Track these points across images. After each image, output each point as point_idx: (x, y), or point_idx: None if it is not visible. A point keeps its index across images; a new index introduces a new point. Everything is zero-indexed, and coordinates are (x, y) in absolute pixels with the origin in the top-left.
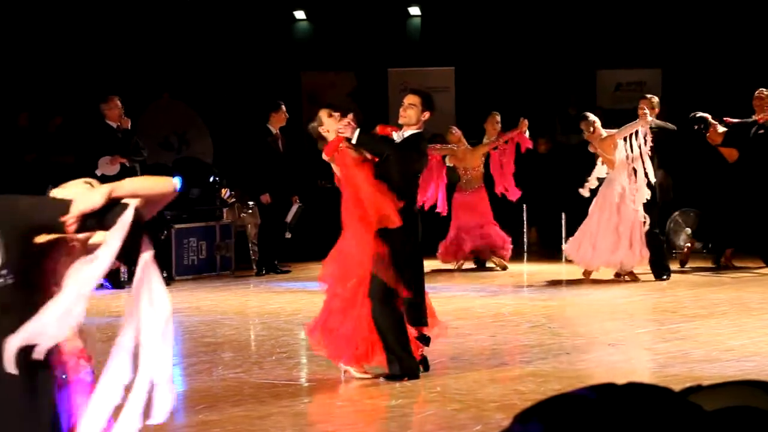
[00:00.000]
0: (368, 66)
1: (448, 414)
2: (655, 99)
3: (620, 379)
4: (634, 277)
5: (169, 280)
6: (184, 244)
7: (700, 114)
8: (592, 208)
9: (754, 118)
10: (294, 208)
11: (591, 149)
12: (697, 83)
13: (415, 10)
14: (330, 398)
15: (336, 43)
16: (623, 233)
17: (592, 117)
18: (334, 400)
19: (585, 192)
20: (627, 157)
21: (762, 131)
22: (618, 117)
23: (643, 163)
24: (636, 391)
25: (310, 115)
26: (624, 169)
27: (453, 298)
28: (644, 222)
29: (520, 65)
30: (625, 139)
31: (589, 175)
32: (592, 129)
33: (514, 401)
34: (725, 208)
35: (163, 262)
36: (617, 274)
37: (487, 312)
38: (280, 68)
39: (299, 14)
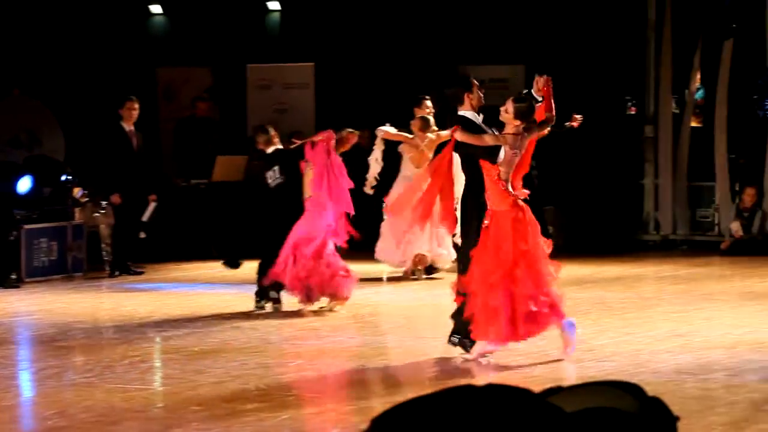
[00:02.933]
0: (226, 62)
1: (305, 417)
2: None
3: (479, 381)
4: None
5: (18, 282)
6: (35, 244)
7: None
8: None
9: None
10: (150, 207)
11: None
12: (561, 79)
13: (274, 5)
14: (184, 403)
15: (193, 38)
16: (433, 231)
17: (431, 121)
18: (188, 404)
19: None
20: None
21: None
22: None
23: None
24: (495, 392)
25: (167, 111)
26: None
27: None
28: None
29: (381, 61)
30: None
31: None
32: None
33: (372, 404)
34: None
35: (12, 263)
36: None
37: (347, 312)
38: (135, 63)
39: (155, 8)
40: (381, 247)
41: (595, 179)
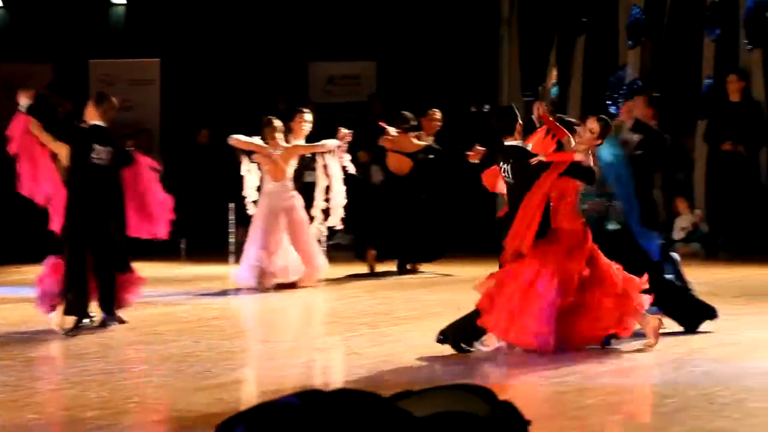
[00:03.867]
0: (67, 57)
1: (148, 426)
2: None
3: (329, 386)
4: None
5: None
6: None
7: (407, 114)
8: (259, 224)
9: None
10: None
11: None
12: (413, 76)
13: None
14: (20, 411)
15: (33, 32)
16: (296, 243)
17: (276, 122)
18: (24, 413)
19: (251, 209)
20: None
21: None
22: (331, 111)
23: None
24: (343, 397)
25: (7, 109)
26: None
27: (156, 303)
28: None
29: (228, 57)
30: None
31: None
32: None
33: (217, 410)
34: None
35: None
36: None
37: (191, 316)
38: None
39: None
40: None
41: (452, 180)
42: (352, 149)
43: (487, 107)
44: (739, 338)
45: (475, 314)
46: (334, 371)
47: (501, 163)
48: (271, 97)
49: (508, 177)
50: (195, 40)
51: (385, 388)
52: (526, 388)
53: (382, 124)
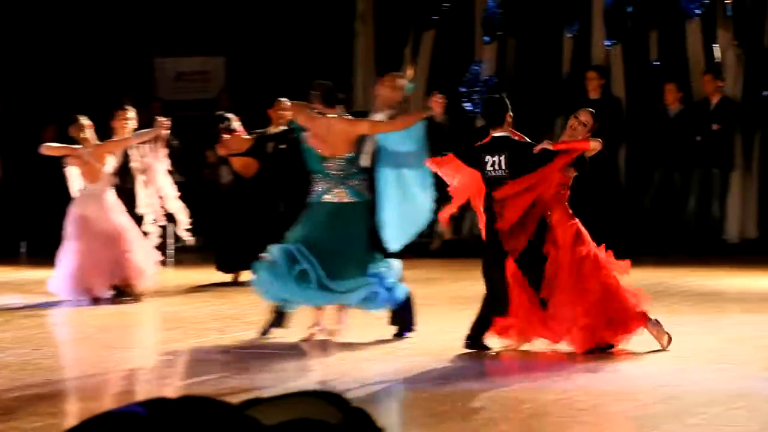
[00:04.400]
0: None
1: None
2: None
3: (176, 393)
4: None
5: None
6: None
7: (227, 114)
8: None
9: (272, 130)
10: None
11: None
12: (262, 72)
13: None
14: None
15: None
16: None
17: (83, 120)
18: None
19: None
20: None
21: (283, 146)
22: (181, 108)
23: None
24: (190, 404)
25: None
26: (109, 182)
27: None
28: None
29: (69, 52)
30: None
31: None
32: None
33: (57, 421)
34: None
35: None
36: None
37: (32, 323)
38: None
39: None
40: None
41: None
42: (201, 148)
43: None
44: None
45: (489, 310)
46: (181, 378)
47: (484, 154)
48: (116, 94)
49: (497, 170)
50: (31, 34)
51: (234, 396)
52: (379, 394)
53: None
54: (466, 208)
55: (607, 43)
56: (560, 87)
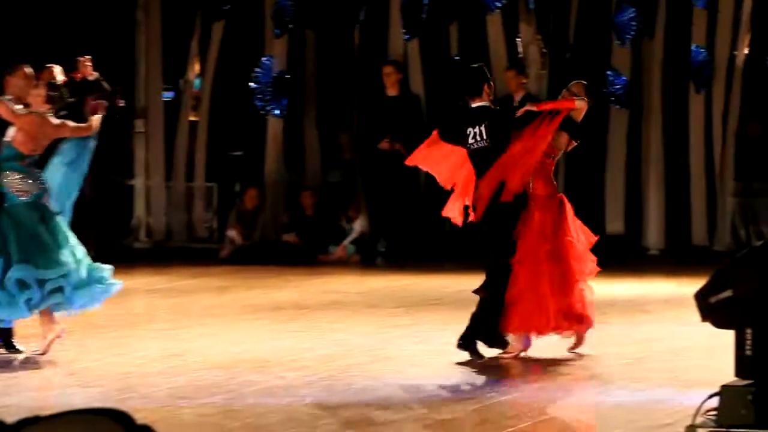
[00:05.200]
0: None
1: None
2: None
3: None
4: None
5: None
6: None
7: None
8: None
9: None
10: None
11: None
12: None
13: None
14: None
15: None
16: None
17: None
18: None
19: None
20: None
21: None
22: None
23: None
24: None
25: None
26: None
27: None
28: None
29: None
30: None
31: None
32: None
33: None
34: None
35: None
36: None
37: None
38: None
39: None
40: None
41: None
42: None
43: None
44: (397, 352)
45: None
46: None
47: (466, 127)
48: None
49: (479, 141)
50: None
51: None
52: (166, 410)
53: None
54: (259, 208)
55: (405, 36)
56: (355, 82)
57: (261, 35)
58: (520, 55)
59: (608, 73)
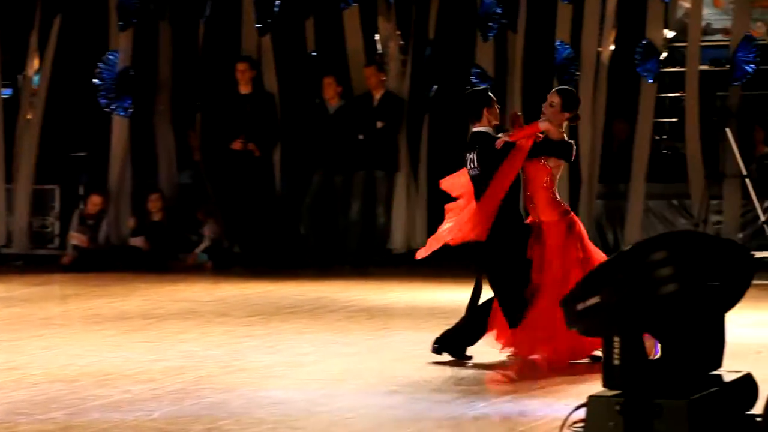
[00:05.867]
0: None
1: None
2: None
3: None
4: None
5: None
6: None
7: None
8: None
9: None
10: None
11: None
12: None
13: None
14: None
15: None
16: None
17: None
18: None
19: None
20: None
21: None
22: None
23: None
24: None
25: None
26: None
27: None
28: None
29: None
30: None
31: None
32: None
33: None
34: None
35: None
36: None
37: None
38: None
39: None
40: None
41: None
42: None
43: None
44: (250, 364)
45: (476, 320)
46: None
47: (467, 153)
48: None
49: (473, 167)
50: None
51: None
52: (4, 429)
53: None
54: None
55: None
56: (200, 80)
57: (105, 29)
58: (379, 51)
59: (473, 71)
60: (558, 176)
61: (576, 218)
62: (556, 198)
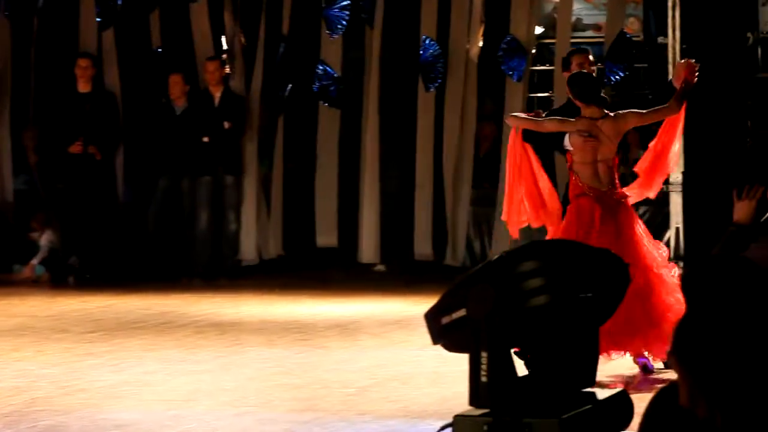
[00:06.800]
0: None
1: None
2: None
3: None
4: None
5: None
6: None
7: None
8: None
9: None
10: None
11: None
12: None
13: None
14: None
15: None
16: None
17: None
18: None
19: None
20: None
21: None
22: None
23: None
24: None
25: None
26: None
27: None
28: None
29: None
30: None
31: None
32: None
33: None
34: None
35: None
36: None
37: None
38: None
39: None
40: None
41: None
42: None
43: None
44: (91, 384)
45: None
46: None
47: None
48: None
49: None
50: None
51: None
52: None
53: None
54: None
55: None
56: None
57: None
58: (225, 48)
59: (319, 67)
60: (583, 158)
61: (593, 206)
62: (578, 178)
